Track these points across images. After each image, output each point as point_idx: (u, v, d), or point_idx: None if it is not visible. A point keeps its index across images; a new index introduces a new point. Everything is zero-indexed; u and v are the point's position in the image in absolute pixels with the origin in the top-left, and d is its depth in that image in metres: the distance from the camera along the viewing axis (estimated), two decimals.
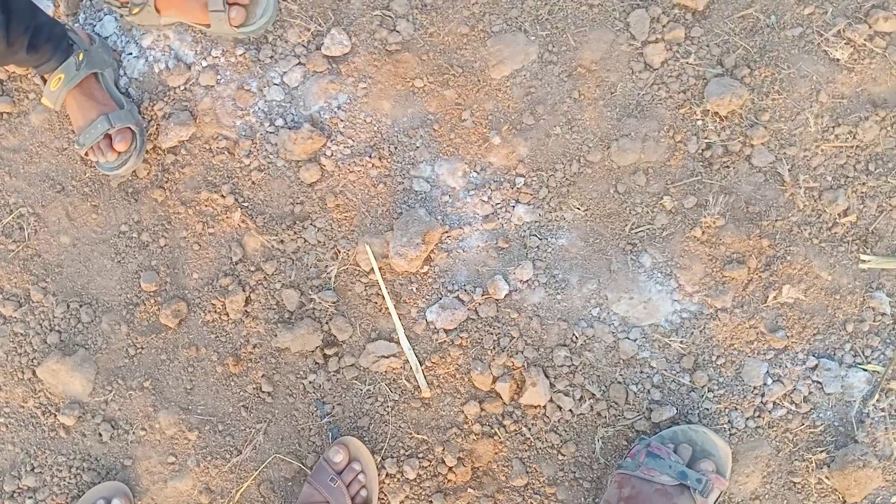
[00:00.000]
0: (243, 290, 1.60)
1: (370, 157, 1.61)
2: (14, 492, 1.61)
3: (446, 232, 1.56)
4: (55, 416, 1.63)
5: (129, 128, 1.61)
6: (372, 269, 1.56)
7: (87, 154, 1.63)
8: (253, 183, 1.65)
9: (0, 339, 1.66)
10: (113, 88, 1.67)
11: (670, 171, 1.53)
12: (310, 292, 1.59)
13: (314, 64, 1.65)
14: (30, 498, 1.61)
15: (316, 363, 1.57)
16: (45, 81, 1.60)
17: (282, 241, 1.62)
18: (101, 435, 1.61)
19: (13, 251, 1.69)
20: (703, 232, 1.50)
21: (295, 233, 1.62)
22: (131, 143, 1.62)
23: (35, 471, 1.62)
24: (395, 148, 1.61)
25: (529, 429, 1.50)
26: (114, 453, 1.60)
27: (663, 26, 1.56)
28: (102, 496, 1.56)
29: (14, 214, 1.71)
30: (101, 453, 1.61)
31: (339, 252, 1.59)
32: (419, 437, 1.52)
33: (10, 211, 1.71)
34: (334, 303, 1.58)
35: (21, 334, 1.66)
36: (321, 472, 1.46)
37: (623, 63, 1.57)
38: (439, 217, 1.57)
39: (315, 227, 1.61)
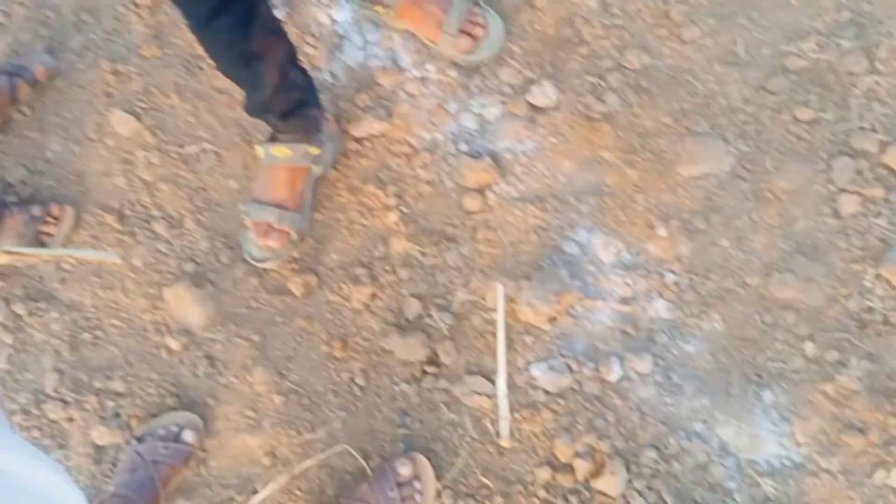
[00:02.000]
0: (373, 285, 1.71)
1: (534, 205, 1.70)
2: (101, 390, 1.74)
3: (580, 298, 1.61)
4: (164, 336, 1.76)
5: (290, 233, 1.70)
6: (495, 308, 1.63)
7: (245, 221, 1.73)
8: (418, 193, 1.76)
9: (145, 251, 1.81)
10: (310, 189, 1.75)
11: (822, 320, 1.55)
12: (431, 308, 1.67)
13: (516, 106, 1.76)
14: (112, 401, 1.74)
15: (413, 375, 1.64)
16: (272, 137, 1.66)
17: (423, 254, 1.72)
18: (196, 368, 1.72)
19: (186, 179, 1.86)
20: (836, 390, 1.50)
21: (439, 250, 1.71)
22: (283, 247, 1.71)
23: (126, 378, 1.75)
24: (561, 205, 1.70)
25: None
26: (201, 388, 1.71)
27: (865, 180, 1.59)
28: (177, 423, 1.67)
29: (198, 147, 1.87)
30: (190, 384, 1.72)
31: (471, 282, 1.67)
32: (484, 480, 1.57)
33: (196, 142, 1.87)
34: (450, 326, 1.66)
35: (163, 253, 1.82)
36: (384, 478, 1.52)
37: (812, 202, 1.61)
38: (578, 282, 1.63)
39: (459, 251, 1.70)
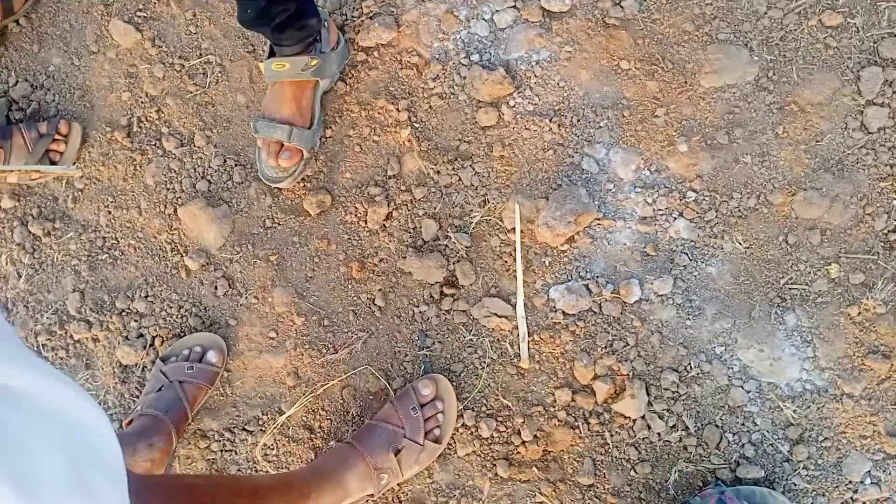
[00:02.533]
0: (388, 205, 1.64)
1: (550, 120, 1.61)
2: (123, 311, 1.72)
3: (599, 219, 1.54)
4: (182, 256, 1.72)
5: (302, 151, 1.63)
6: (513, 228, 1.57)
7: (257, 141, 1.67)
8: (430, 107, 1.66)
9: (156, 169, 1.74)
10: (317, 103, 1.67)
11: (847, 241, 1.48)
12: (448, 229, 1.61)
13: (529, 12, 1.64)
14: (135, 321, 1.71)
15: (431, 297, 1.60)
16: (272, 51, 1.59)
17: (438, 172, 1.64)
18: (216, 289, 1.68)
19: (191, 93, 1.77)
20: (860, 313, 1.45)
21: (453, 168, 1.64)
22: (296, 165, 1.65)
23: (148, 299, 1.72)
24: (578, 120, 1.60)
25: (612, 435, 1.50)
26: (223, 309, 1.68)
27: (894, 91, 1.48)
28: (201, 344, 1.65)
29: (202, 59, 1.77)
30: (211, 305, 1.68)
31: (488, 202, 1.61)
32: (505, 401, 1.55)
33: (199, 55, 1.77)
34: (467, 247, 1.60)
35: (175, 171, 1.74)
36: (406, 397, 1.50)
37: (839, 115, 1.51)
38: (597, 202, 1.56)
39: (474, 169, 1.63)
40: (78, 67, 1.84)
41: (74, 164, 1.80)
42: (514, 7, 1.68)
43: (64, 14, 1.87)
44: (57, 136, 1.78)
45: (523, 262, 1.58)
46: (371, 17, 1.72)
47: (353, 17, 1.73)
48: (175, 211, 1.74)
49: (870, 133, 1.50)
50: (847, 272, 1.48)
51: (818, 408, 1.46)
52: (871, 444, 1.44)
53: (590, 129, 1.61)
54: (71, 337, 1.73)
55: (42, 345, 1.74)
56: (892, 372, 1.44)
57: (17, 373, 0.67)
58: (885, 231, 1.48)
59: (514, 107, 1.65)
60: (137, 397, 1.69)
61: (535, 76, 1.65)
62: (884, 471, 1.43)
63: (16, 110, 1.84)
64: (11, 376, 0.66)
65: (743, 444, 1.46)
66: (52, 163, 1.78)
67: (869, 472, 1.43)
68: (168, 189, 1.76)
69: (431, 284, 1.62)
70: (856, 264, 1.48)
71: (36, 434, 0.63)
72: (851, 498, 1.43)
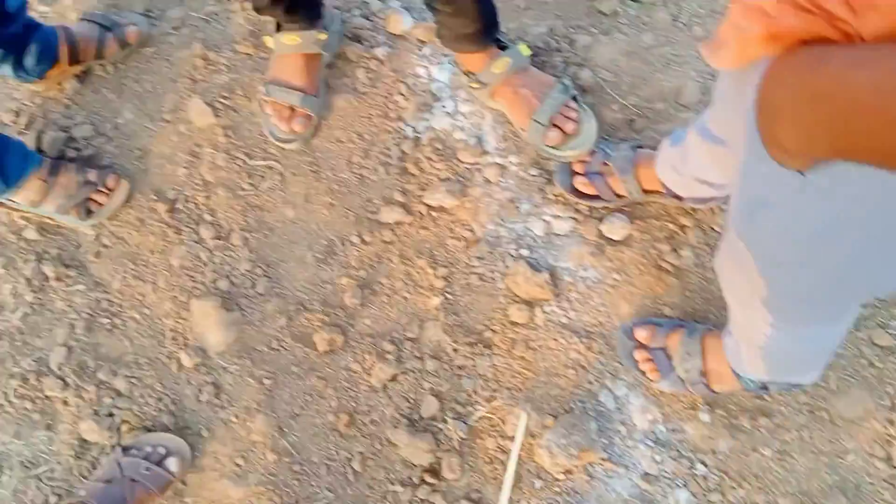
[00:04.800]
0: (397, 366, 1.45)
1: (580, 339, 1.43)
2: (103, 383, 1.52)
3: (603, 459, 1.33)
4: (179, 348, 1.53)
5: (312, 116, 1.60)
6: (513, 436, 1.36)
7: (264, 106, 1.61)
8: (468, 284, 1.49)
9: (186, 252, 1.57)
10: (323, 75, 1.65)
11: None
12: (448, 413, 1.42)
13: (587, 229, 1.49)
14: (111, 398, 1.52)
15: (410, 479, 1.40)
16: (278, 26, 1.57)
17: (456, 350, 1.46)
18: (201, 392, 1.49)
19: (244, 191, 1.60)
20: None
21: (472, 352, 1.46)
22: (308, 130, 1.61)
23: (131, 380, 1.53)
24: (609, 350, 1.42)
25: None
26: (201, 416, 1.48)
27: None
28: (166, 446, 1.45)
29: (265, 163, 1.60)
30: (190, 408, 1.48)
31: (496, 399, 1.41)
32: None
33: (264, 157, 1.59)
34: (462, 439, 1.41)
35: (202, 262, 1.57)
36: None
37: (867, 438, 1.39)
38: (605, 441, 1.36)
39: (492, 360, 1.45)
40: (146, 129, 1.67)
41: (109, 220, 1.60)
42: (574, 219, 1.51)
43: (151, 75, 1.71)
44: (101, 188, 1.58)
45: (513, 478, 1.36)
46: (442, 180, 1.54)
47: (419, 174, 1.56)
48: (188, 300, 1.53)
49: (894, 467, 1.31)
50: None
51: None
52: None
53: (616, 363, 1.42)
54: (42, 391, 1.52)
55: (13, 389, 1.50)
56: None
57: None
58: None
59: (548, 313, 1.46)
60: (85, 478, 1.44)
61: (577, 292, 1.47)
62: None
63: (72, 147, 1.66)
64: None
65: None
66: (89, 212, 1.58)
67: None
68: (190, 276, 1.56)
69: (414, 466, 1.41)
70: None
71: None
72: None
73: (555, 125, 1.51)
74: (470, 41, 1.47)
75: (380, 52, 1.65)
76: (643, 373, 1.35)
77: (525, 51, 1.54)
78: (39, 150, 1.64)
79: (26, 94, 1.70)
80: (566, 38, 1.64)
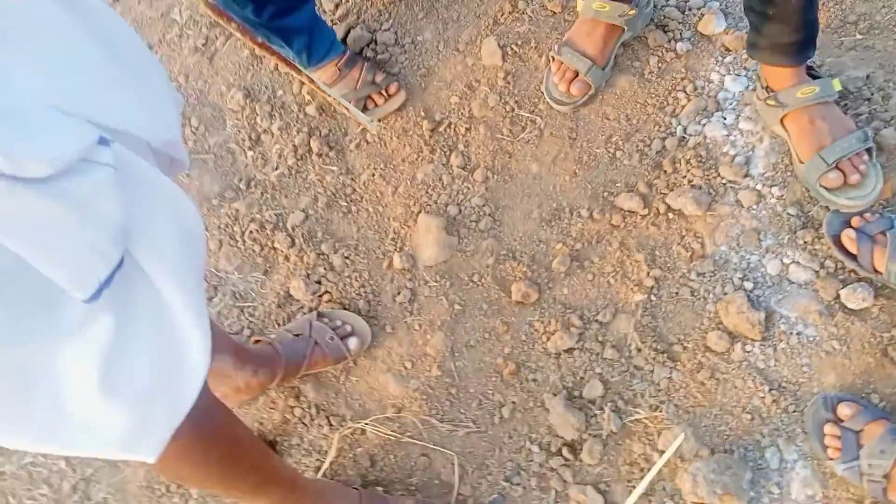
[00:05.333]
0: (576, 341, 1.47)
1: (770, 390, 1.37)
2: (323, 254, 1.70)
3: None
4: (395, 250, 1.65)
5: (591, 86, 1.63)
6: (663, 451, 1.34)
7: (551, 64, 1.67)
8: (676, 293, 1.52)
9: (431, 171, 1.67)
10: (616, 49, 1.66)
11: None
12: (608, 402, 1.46)
13: (826, 287, 1.42)
14: (324, 269, 1.69)
15: (549, 445, 1.45)
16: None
17: (639, 350, 1.48)
18: (399, 294, 1.63)
19: (501, 136, 1.71)
20: None
21: (654, 359, 1.48)
22: (583, 97, 1.64)
23: (346, 259, 1.68)
24: (795, 412, 1.39)
25: None
26: (390, 314, 1.63)
27: None
28: (352, 325, 1.60)
29: (531, 116, 1.66)
30: (384, 303, 1.64)
31: (660, 411, 1.39)
32: None
33: (531, 111, 1.65)
34: (612, 433, 1.41)
35: (442, 184, 1.69)
36: None
37: None
38: (753, 495, 1.33)
39: (670, 374, 1.46)
40: (438, 52, 1.80)
41: (379, 121, 1.75)
42: (816, 272, 1.43)
43: (460, 6, 1.84)
44: (382, 92, 1.74)
45: (647, 487, 1.34)
46: (692, 186, 1.53)
47: (669, 172, 1.55)
48: (418, 212, 1.65)
49: None
50: None
51: None
52: None
53: (799, 427, 1.33)
54: (272, 242, 1.69)
55: (250, 231, 1.70)
56: None
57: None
58: None
59: (748, 352, 1.40)
60: (279, 325, 1.62)
61: (787, 344, 1.39)
62: None
63: (371, 48, 1.83)
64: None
65: None
66: (365, 108, 1.74)
67: None
68: (427, 192, 1.68)
69: (558, 436, 1.42)
70: None
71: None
72: None
73: (839, 168, 1.43)
74: (784, 53, 1.41)
75: (680, 46, 1.65)
76: (825, 447, 1.27)
77: (836, 85, 1.45)
78: (343, 42, 1.84)
79: None
80: (881, 91, 1.54)
